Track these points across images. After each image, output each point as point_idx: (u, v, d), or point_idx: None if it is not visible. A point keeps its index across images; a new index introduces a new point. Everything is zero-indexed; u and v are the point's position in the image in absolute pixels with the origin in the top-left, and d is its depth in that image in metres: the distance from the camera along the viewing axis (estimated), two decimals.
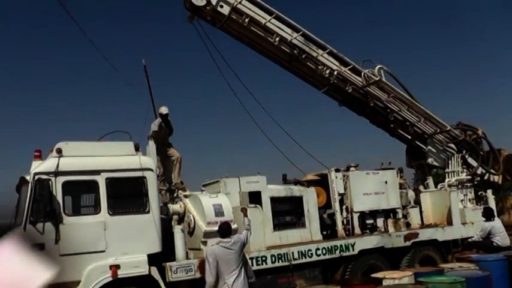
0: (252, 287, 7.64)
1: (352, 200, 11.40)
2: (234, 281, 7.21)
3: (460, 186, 13.52)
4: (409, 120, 13.50)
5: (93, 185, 8.19)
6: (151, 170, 8.65)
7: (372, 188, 11.68)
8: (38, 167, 7.83)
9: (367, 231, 11.60)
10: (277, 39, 11.51)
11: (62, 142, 8.12)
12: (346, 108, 13.74)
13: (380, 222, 11.79)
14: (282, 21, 11.60)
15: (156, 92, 10.97)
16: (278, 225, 10.53)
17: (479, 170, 14.06)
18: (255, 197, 10.09)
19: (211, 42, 11.48)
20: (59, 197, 7.82)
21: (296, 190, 11.04)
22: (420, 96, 13.58)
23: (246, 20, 11.17)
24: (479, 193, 13.97)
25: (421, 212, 12.80)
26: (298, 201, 10.88)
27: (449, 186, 13.32)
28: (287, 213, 10.84)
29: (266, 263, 9.38)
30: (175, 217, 9.33)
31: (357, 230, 11.29)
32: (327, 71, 12.32)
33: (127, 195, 8.48)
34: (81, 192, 9.01)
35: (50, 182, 7.74)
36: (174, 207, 9.44)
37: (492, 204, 13.45)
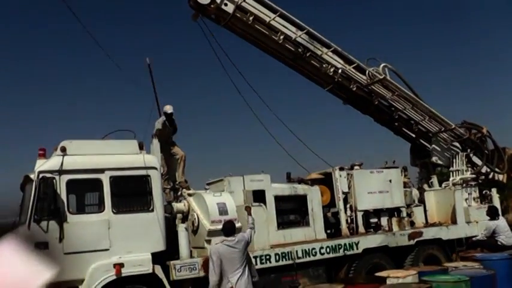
0: (255, 286, 7.64)
1: (356, 198, 11.37)
2: (237, 280, 7.22)
3: (464, 185, 13.48)
4: (414, 118, 13.46)
5: (97, 183, 8.20)
6: (155, 168, 8.65)
7: (376, 187, 11.65)
8: (43, 165, 7.84)
9: (371, 230, 11.58)
10: (281, 37, 11.50)
11: (66, 140, 8.14)
12: (351, 106, 13.72)
13: (384, 221, 11.76)
14: (287, 19, 11.58)
15: (160, 90, 10.96)
16: (282, 224, 10.51)
17: (484, 169, 14.03)
18: (259, 196, 10.07)
19: (216, 40, 11.50)
20: (63, 196, 7.83)
21: (300, 189, 11.03)
22: (422, 95, 13.56)
23: (250, 18, 11.16)
24: (484, 192, 13.94)
25: (425, 210, 12.77)
26: (302, 199, 10.86)
27: (454, 185, 13.28)
28: (291, 211, 10.82)
29: (270, 262, 9.37)
30: (179, 216, 9.32)
31: (361, 229, 11.27)
32: (332, 69, 12.30)
33: (131, 193, 8.49)
34: (85, 191, 9.00)
35: (54, 181, 7.74)
36: (178, 205, 9.44)
37: (497, 203, 13.40)
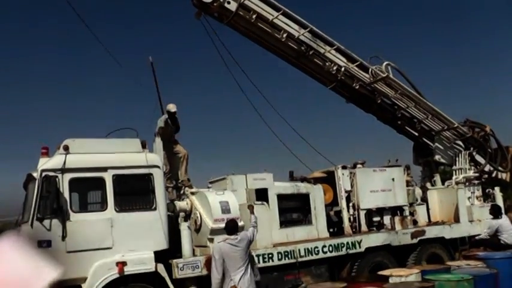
0: (257, 285, 7.64)
1: (359, 197, 11.37)
2: (240, 278, 7.23)
3: (467, 183, 13.46)
4: (417, 117, 13.43)
5: (100, 182, 8.20)
6: (158, 167, 8.64)
7: (378, 185, 11.64)
8: (45, 163, 7.84)
9: (374, 228, 11.58)
10: (284, 35, 11.48)
11: (69, 139, 8.13)
12: (353, 104, 13.70)
13: (387, 219, 11.75)
14: (289, 17, 11.56)
15: (162, 89, 10.97)
16: (285, 223, 10.52)
17: (487, 168, 13.99)
18: (261, 194, 10.07)
19: (219, 39, 11.50)
20: (66, 194, 7.82)
21: (303, 187, 11.01)
22: (424, 93, 13.51)
23: (253, 16, 11.14)
24: (487, 191, 13.92)
25: (428, 209, 12.75)
26: (305, 198, 10.86)
27: (457, 183, 13.28)
28: (294, 210, 10.83)
29: (273, 260, 9.36)
30: (182, 214, 9.32)
31: (364, 228, 11.27)
32: (334, 68, 12.28)
33: (134, 192, 8.47)
34: (88, 189, 9.01)
35: (57, 179, 7.74)
36: (181, 204, 9.43)
37: (500, 201, 13.38)
